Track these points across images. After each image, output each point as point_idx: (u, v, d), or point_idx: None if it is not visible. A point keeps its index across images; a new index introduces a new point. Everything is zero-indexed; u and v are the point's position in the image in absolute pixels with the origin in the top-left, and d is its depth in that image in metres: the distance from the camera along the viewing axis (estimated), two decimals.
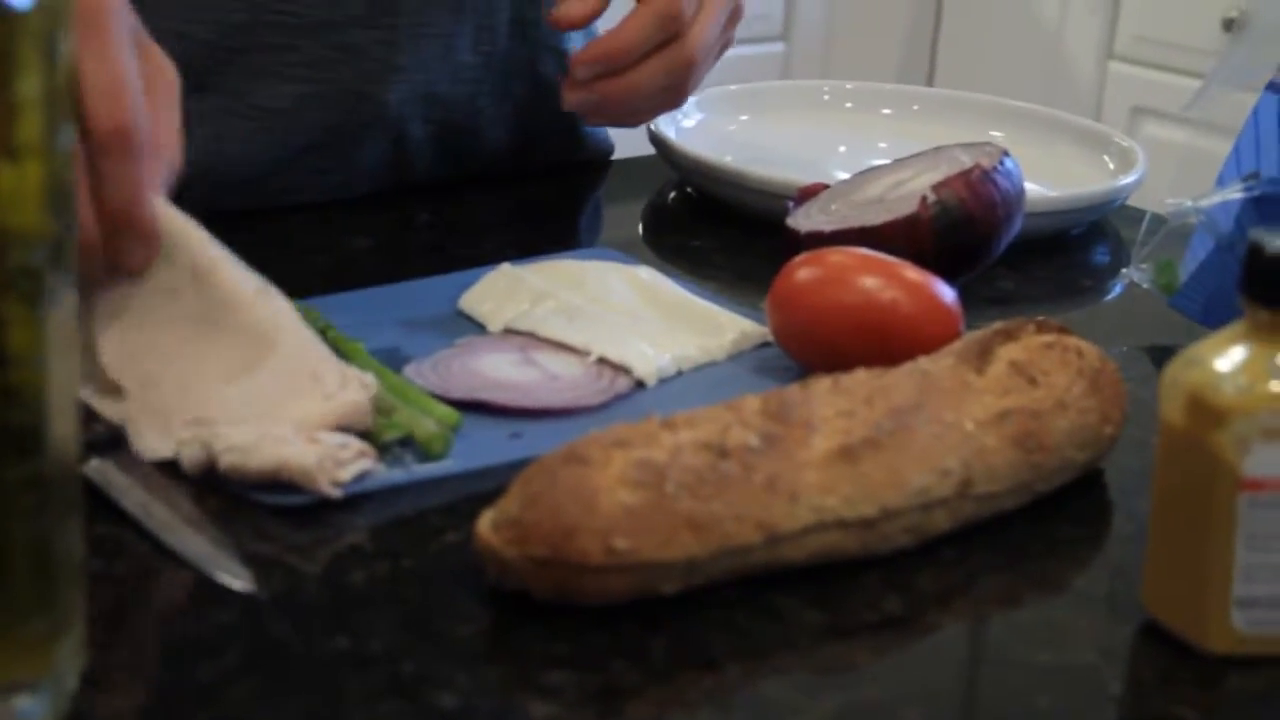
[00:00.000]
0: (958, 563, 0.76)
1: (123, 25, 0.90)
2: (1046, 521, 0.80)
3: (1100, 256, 1.17)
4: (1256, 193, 0.91)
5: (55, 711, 0.60)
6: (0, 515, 0.57)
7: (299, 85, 1.15)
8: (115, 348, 0.85)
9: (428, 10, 1.18)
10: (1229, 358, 0.67)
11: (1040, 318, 0.85)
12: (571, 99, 1.11)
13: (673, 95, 1.14)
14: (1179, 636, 0.69)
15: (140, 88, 0.87)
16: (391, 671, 0.65)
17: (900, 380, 0.78)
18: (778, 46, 3.37)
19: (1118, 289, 1.11)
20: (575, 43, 1.29)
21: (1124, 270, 1.10)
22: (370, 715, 0.62)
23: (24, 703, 0.59)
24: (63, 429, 0.59)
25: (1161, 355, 0.92)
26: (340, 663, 0.66)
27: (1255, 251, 0.66)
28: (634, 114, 1.16)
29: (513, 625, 0.69)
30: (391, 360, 0.91)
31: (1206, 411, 0.66)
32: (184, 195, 0.91)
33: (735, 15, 1.17)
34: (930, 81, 3.47)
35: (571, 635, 0.68)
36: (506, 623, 0.69)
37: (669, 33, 1.08)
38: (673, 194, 1.24)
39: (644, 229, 1.17)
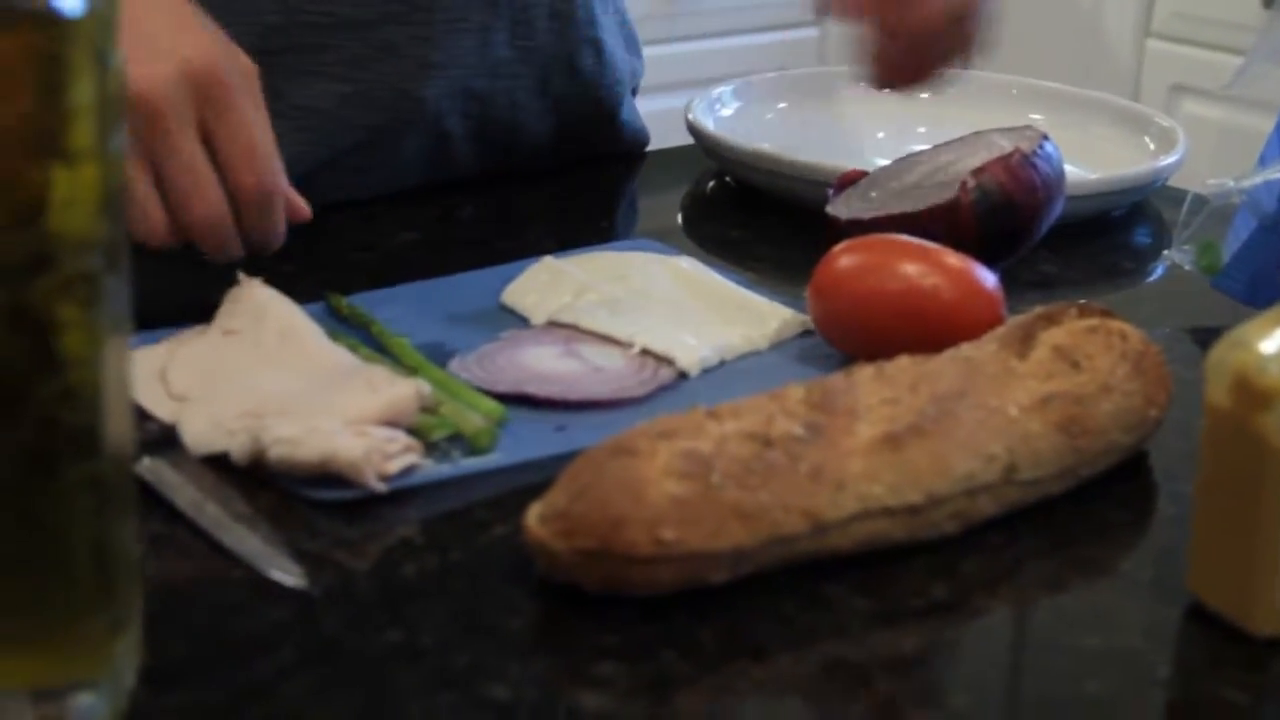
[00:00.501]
0: (1003, 548, 0.76)
1: (247, 87, 0.96)
2: (1091, 505, 0.80)
3: (1142, 238, 1.17)
4: None
5: (114, 709, 0.61)
6: (61, 515, 0.58)
7: (338, 84, 1.16)
8: (181, 366, 0.86)
9: (463, 5, 1.18)
10: (1275, 339, 0.67)
11: (1082, 301, 0.85)
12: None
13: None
14: (1226, 619, 0.69)
15: (275, 149, 0.94)
16: (443, 664, 0.66)
17: (943, 367, 0.79)
18: (813, 31, 3.36)
19: (1160, 270, 1.12)
20: (609, 34, 1.29)
21: (1166, 252, 1.11)
22: (423, 708, 0.63)
23: (85, 700, 0.60)
24: (119, 429, 0.59)
25: (1206, 337, 0.92)
26: (392, 656, 0.66)
27: None
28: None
29: (562, 617, 0.70)
30: (436, 354, 0.91)
31: (1253, 393, 0.66)
32: None
33: None
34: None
35: (621, 626, 0.68)
36: (556, 614, 0.70)
37: None
38: (711, 183, 1.24)
39: (683, 219, 1.18)
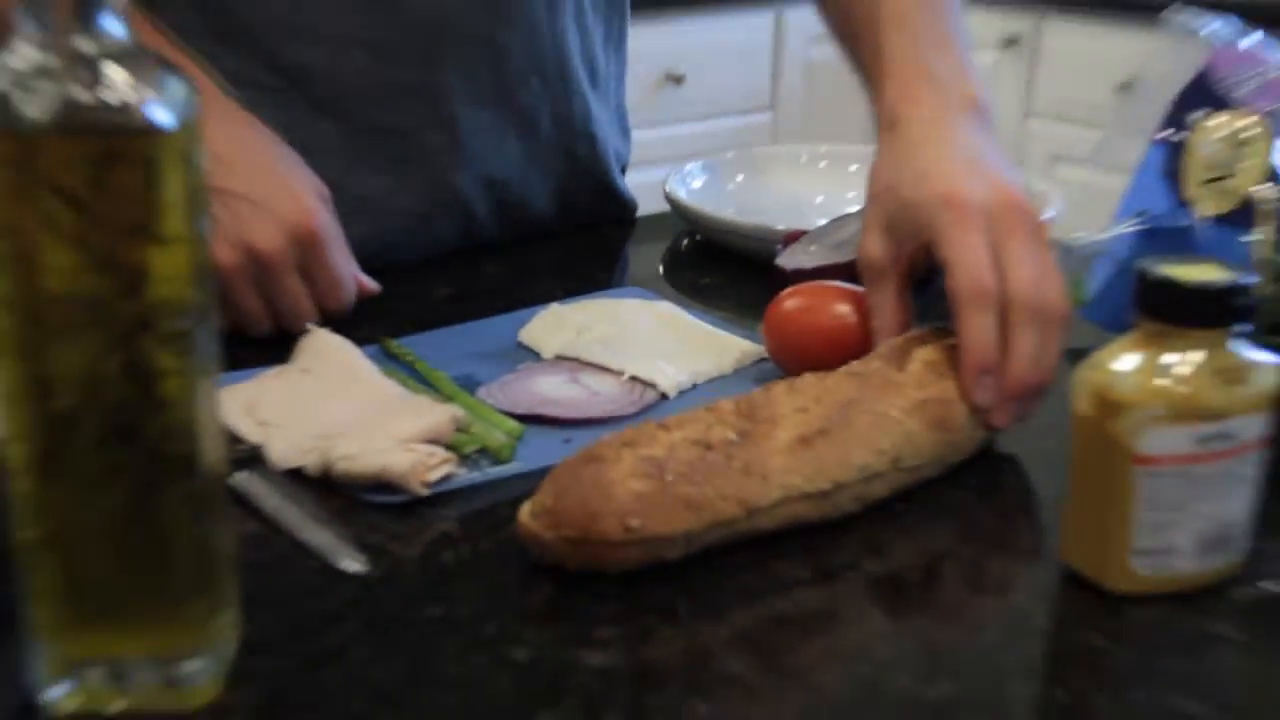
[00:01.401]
0: (902, 526, 0.78)
1: (330, 226, 1.02)
2: (981, 493, 0.82)
3: None
4: (1146, 227, 0.92)
5: (217, 672, 0.62)
6: (163, 524, 0.59)
7: (387, 178, 1.17)
8: (265, 398, 0.87)
9: (480, 114, 1.18)
10: (1124, 361, 0.68)
11: (942, 325, 0.85)
12: (1003, 421, 0.82)
13: (1050, 339, 0.82)
14: (1091, 580, 0.70)
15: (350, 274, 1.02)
16: (475, 632, 0.67)
17: (840, 381, 0.80)
18: (766, 116, 3.37)
19: None
20: (605, 129, 1.29)
21: None
22: (460, 668, 0.64)
23: (194, 665, 0.61)
24: (211, 454, 0.60)
25: (1074, 356, 0.93)
26: (435, 627, 0.67)
27: (1143, 277, 0.68)
28: (1042, 378, 0.82)
29: (568, 592, 0.70)
30: (467, 384, 0.92)
31: (1108, 404, 0.67)
32: None
33: (1037, 230, 0.85)
34: None
35: (612, 598, 0.70)
36: (562, 591, 0.71)
37: (989, 301, 0.80)
38: (685, 241, 1.25)
39: (663, 270, 1.18)
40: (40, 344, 0.56)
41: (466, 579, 0.72)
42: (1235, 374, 0.68)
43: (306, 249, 0.98)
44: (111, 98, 0.54)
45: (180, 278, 0.56)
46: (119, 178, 0.55)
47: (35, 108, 0.54)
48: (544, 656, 0.65)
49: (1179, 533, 0.68)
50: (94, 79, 0.54)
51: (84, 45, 0.55)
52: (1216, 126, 0.92)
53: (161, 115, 0.55)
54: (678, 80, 3.19)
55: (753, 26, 3.30)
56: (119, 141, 0.55)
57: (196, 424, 0.58)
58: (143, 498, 0.58)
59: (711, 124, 3.27)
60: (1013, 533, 0.75)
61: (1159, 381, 0.67)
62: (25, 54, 0.54)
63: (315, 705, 0.61)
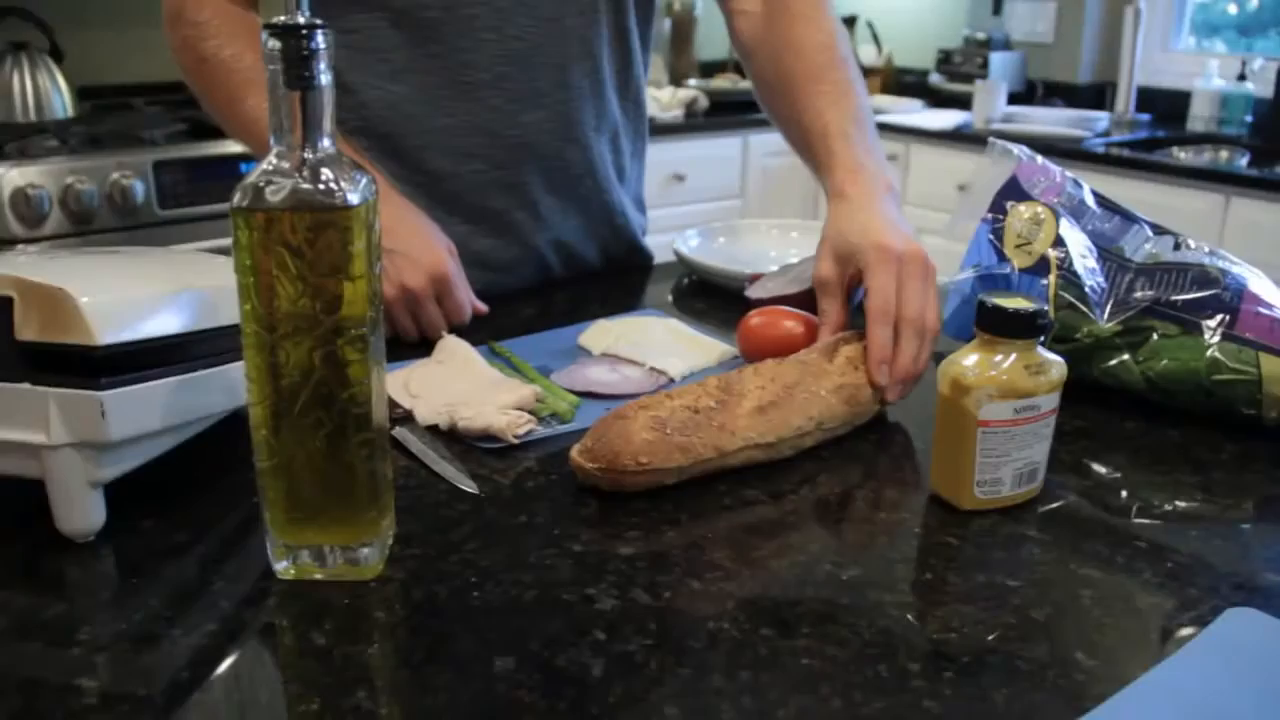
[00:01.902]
0: (826, 465, 0.76)
1: (456, 269, 1.00)
2: (878, 445, 0.80)
3: None
4: (980, 273, 0.91)
5: (381, 556, 0.61)
6: (350, 461, 0.58)
7: (491, 240, 1.15)
8: (416, 378, 0.86)
9: (553, 201, 1.17)
10: (969, 359, 0.67)
11: (859, 331, 0.84)
12: (894, 397, 0.81)
13: (925, 346, 0.82)
14: (949, 501, 0.69)
15: (469, 300, 1.01)
16: (549, 533, 0.66)
17: (789, 367, 0.79)
18: (737, 201, 3.36)
19: None
20: (631, 210, 1.28)
21: None
22: (537, 556, 0.63)
23: (365, 552, 0.60)
24: (379, 414, 0.60)
25: (937, 357, 0.92)
26: (521, 529, 0.67)
27: (981, 304, 0.67)
28: (919, 370, 0.82)
29: (606, 505, 0.69)
30: (544, 371, 0.91)
31: (959, 387, 0.66)
32: None
33: (929, 273, 0.85)
34: (816, 217, 3.46)
35: (636, 511, 0.69)
36: (603, 504, 0.70)
37: (889, 319, 0.81)
38: (685, 281, 1.24)
39: (672, 299, 1.17)
40: (273, 343, 0.56)
41: (541, 498, 0.71)
42: (1038, 368, 0.66)
43: (440, 286, 0.98)
44: (322, 187, 0.54)
45: (361, 301, 0.56)
46: (325, 238, 0.54)
47: (275, 194, 0.54)
48: (591, 550, 0.64)
49: (1004, 470, 0.67)
50: (313, 176, 0.54)
51: (308, 155, 0.54)
52: (1023, 211, 0.90)
53: (352, 197, 0.54)
54: (680, 178, 3.19)
55: (729, 145, 3.30)
56: (326, 214, 0.54)
57: (371, 395, 0.58)
58: (335, 442, 0.58)
59: (702, 206, 3.27)
60: (898, 471, 0.73)
61: (991, 373, 0.66)
62: (273, 160, 0.54)
63: (441, 579, 0.61)
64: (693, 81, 3.52)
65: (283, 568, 0.60)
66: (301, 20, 0.53)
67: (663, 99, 3.24)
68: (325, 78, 0.54)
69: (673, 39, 3.63)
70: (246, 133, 1.03)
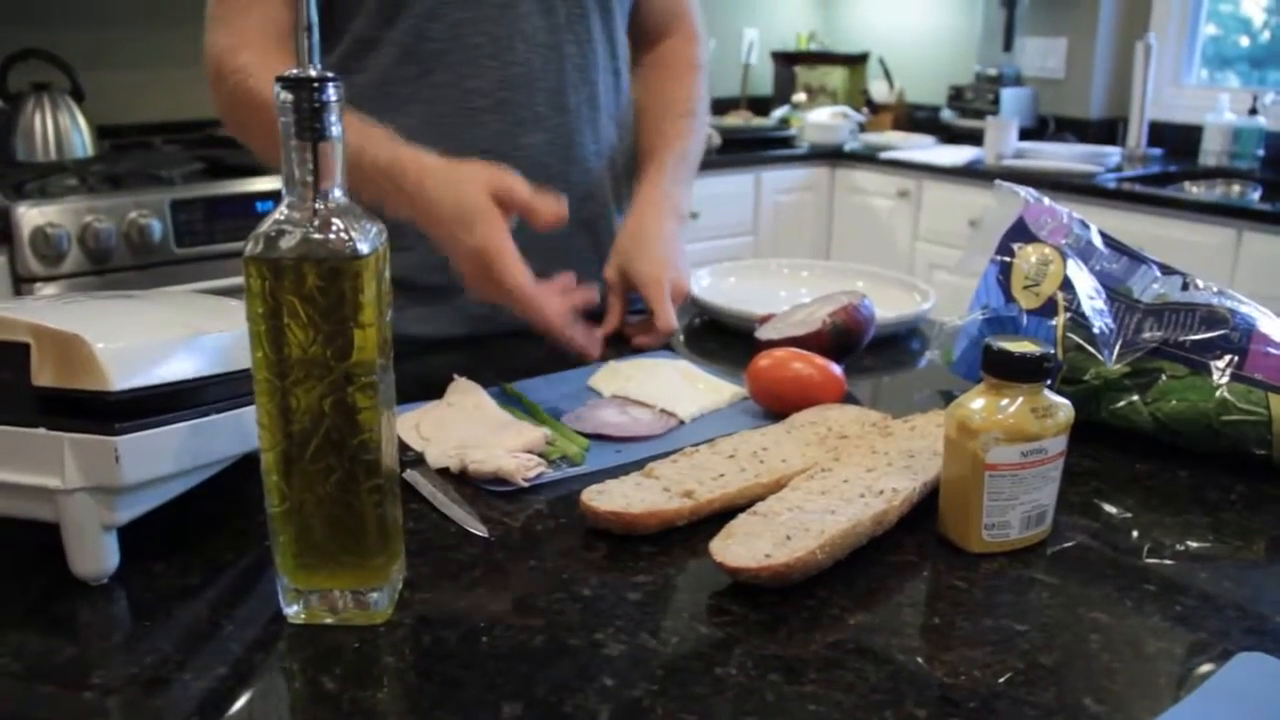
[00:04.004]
0: None
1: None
2: None
3: (915, 345, 1.16)
4: (987, 316, 0.91)
5: (390, 601, 0.62)
6: (360, 507, 0.59)
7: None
8: (427, 421, 0.87)
9: (573, 242, 1.17)
10: (976, 403, 0.67)
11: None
12: (650, 343, 1.10)
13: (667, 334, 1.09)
14: (957, 544, 0.69)
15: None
16: (558, 577, 0.66)
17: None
18: (750, 238, 3.37)
19: (924, 362, 1.11)
20: None
21: (927, 352, 1.10)
22: (547, 601, 0.63)
23: (375, 596, 0.61)
24: (389, 460, 0.60)
25: (947, 397, 0.92)
26: (531, 574, 0.67)
27: (987, 348, 0.67)
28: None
29: (616, 549, 0.69)
30: (555, 413, 0.91)
31: (967, 430, 0.67)
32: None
33: (680, 294, 1.11)
34: (828, 254, 3.47)
35: (645, 556, 0.69)
36: (612, 548, 0.70)
37: (665, 336, 1.09)
38: (697, 321, 1.24)
39: (684, 339, 1.17)
40: (284, 389, 0.56)
41: (550, 541, 0.71)
42: (1045, 411, 0.67)
43: (488, 262, 0.96)
44: (333, 237, 0.55)
45: (371, 348, 0.57)
46: (336, 286, 0.55)
47: (287, 243, 0.54)
48: (599, 594, 0.64)
49: (1012, 513, 0.67)
50: (324, 225, 0.55)
51: (319, 205, 0.55)
52: (1030, 252, 0.91)
53: (363, 246, 0.55)
54: (694, 215, 3.20)
55: (742, 183, 3.32)
56: (335, 263, 0.55)
57: (381, 441, 0.58)
58: (345, 488, 0.58)
59: (715, 243, 3.28)
60: (908, 515, 0.72)
61: (998, 416, 0.66)
62: (284, 209, 0.55)
63: (450, 624, 0.61)
64: (708, 118, 3.55)
65: (293, 612, 0.60)
66: (313, 73, 0.54)
67: None
68: (336, 129, 0.55)
69: None
70: None
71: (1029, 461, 0.66)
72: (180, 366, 0.65)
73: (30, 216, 1.96)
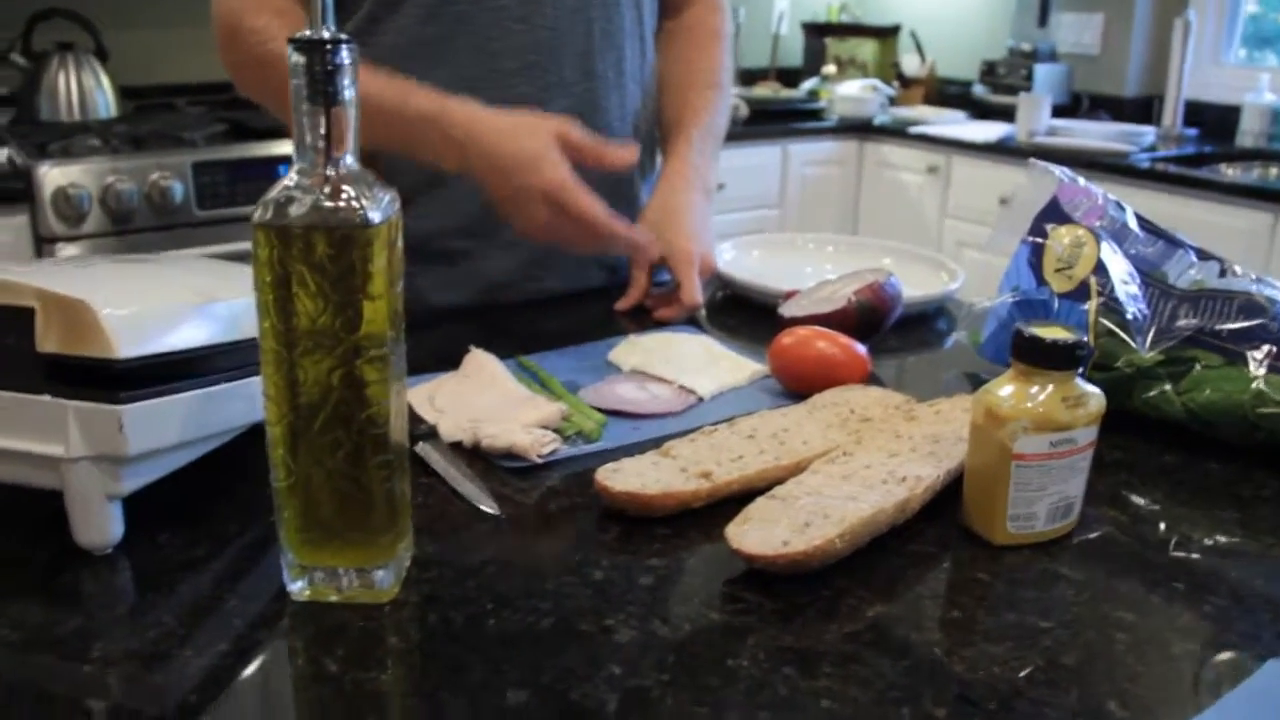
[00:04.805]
0: None
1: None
2: None
3: (942, 325, 1.13)
4: (1017, 299, 0.89)
5: (397, 579, 0.60)
6: (367, 483, 0.57)
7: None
8: (441, 393, 0.85)
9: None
10: (1005, 390, 0.65)
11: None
12: (673, 316, 1.10)
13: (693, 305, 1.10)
14: (980, 535, 0.67)
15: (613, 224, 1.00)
16: (570, 559, 0.64)
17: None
18: (776, 210, 3.34)
19: (950, 343, 1.08)
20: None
21: (954, 333, 1.08)
22: (556, 584, 0.62)
23: (381, 574, 0.59)
24: (399, 435, 0.59)
25: (975, 381, 0.90)
26: (541, 555, 0.65)
27: (1017, 334, 0.65)
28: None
29: (629, 531, 0.68)
30: (572, 387, 0.89)
31: (994, 417, 0.64)
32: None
33: (707, 269, 1.13)
34: (855, 230, 3.42)
35: (660, 538, 0.67)
36: (626, 530, 0.68)
37: (691, 310, 1.10)
38: (720, 295, 1.22)
39: (706, 314, 1.15)
40: (292, 360, 0.55)
41: (563, 521, 0.69)
42: (1076, 400, 0.64)
43: (558, 196, 0.97)
44: (344, 204, 0.53)
45: (381, 321, 0.55)
46: (346, 255, 0.54)
47: (296, 210, 0.53)
48: (611, 577, 0.62)
49: (1038, 505, 0.65)
50: (334, 193, 0.53)
51: (330, 172, 0.54)
52: (1063, 234, 0.88)
53: (374, 215, 0.54)
54: (721, 187, 3.18)
55: (769, 155, 3.29)
56: (346, 231, 0.53)
57: (390, 416, 0.57)
58: (353, 463, 0.57)
59: (741, 214, 3.26)
60: (929, 501, 0.70)
61: (1027, 404, 0.64)
62: (294, 176, 0.54)
63: (457, 604, 0.59)
64: (734, 90, 3.50)
65: (297, 588, 0.59)
66: (327, 35, 0.52)
67: None
68: (349, 93, 0.53)
69: None
70: None
71: (1058, 452, 0.64)
72: (189, 334, 0.63)
73: (52, 176, 1.95)
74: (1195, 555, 0.67)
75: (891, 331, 1.03)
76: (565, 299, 1.17)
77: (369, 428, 0.56)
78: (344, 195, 0.53)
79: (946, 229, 3.13)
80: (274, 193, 0.53)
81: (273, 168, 2.12)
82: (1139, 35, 3.22)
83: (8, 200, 1.94)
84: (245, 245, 1.57)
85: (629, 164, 1.01)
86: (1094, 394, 0.65)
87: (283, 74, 1.06)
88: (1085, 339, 0.64)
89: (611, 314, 1.14)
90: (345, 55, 0.52)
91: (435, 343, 1.00)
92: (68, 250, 1.97)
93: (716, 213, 3.41)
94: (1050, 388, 0.64)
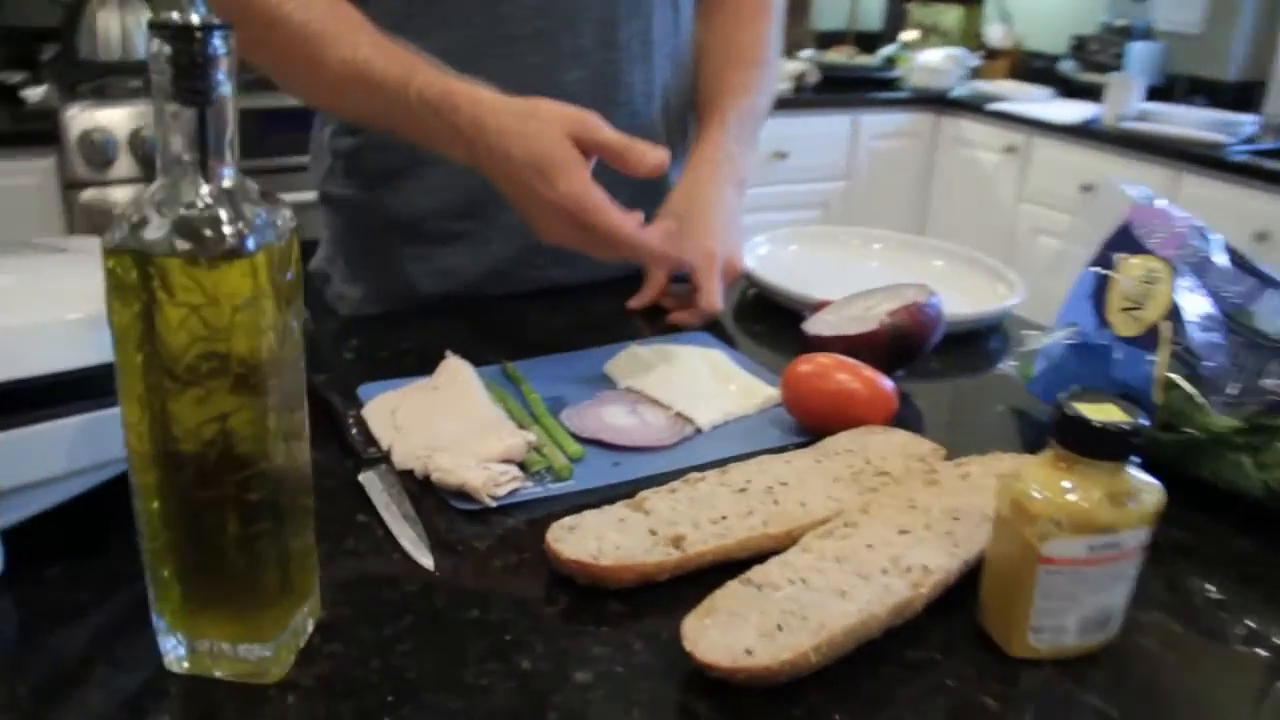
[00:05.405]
0: None
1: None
2: None
3: (995, 343, 1.01)
4: (1074, 341, 0.77)
5: (286, 659, 0.51)
6: (249, 550, 0.48)
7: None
8: (404, 407, 0.76)
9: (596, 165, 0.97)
10: (1037, 479, 0.53)
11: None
12: (688, 322, 0.99)
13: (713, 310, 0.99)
14: (995, 641, 0.56)
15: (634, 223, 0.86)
16: (500, 638, 0.54)
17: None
18: (841, 184, 3.19)
19: (1000, 367, 0.95)
20: None
21: (1004, 361, 0.95)
22: (476, 672, 0.52)
23: (266, 652, 0.50)
24: (293, 491, 0.49)
25: (1019, 415, 0.78)
26: (469, 629, 0.55)
27: (1060, 412, 0.53)
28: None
29: (579, 606, 0.57)
30: (556, 405, 0.79)
31: (1022, 512, 0.53)
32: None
33: (731, 274, 1.02)
34: (924, 209, 3.26)
35: (611, 619, 0.57)
36: (576, 604, 0.58)
37: (709, 316, 0.99)
38: (751, 292, 1.10)
39: (731, 315, 1.04)
40: (160, 404, 0.45)
41: (506, 583, 0.59)
42: (1127, 495, 0.52)
43: (580, 215, 0.84)
44: (210, 229, 0.43)
45: (267, 356, 0.45)
46: (221, 283, 0.44)
47: (154, 232, 0.43)
48: (542, 670, 0.52)
49: (1068, 617, 0.54)
50: (204, 211, 0.44)
51: (201, 185, 0.44)
52: (1133, 266, 0.75)
53: (250, 241, 0.44)
54: (782, 156, 3.04)
55: (838, 123, 3.14)
56: (215, 261, 0.43)
57: (277, 468, 0.47)
58: (233, 526, 0.47)
59: (804, 186, 3.13)
60: (948, 594, 0.59)
61: (1064, 499, 0.52)
62: (158, 189, 0.44)
63: (353, 692, 0.50)
64: (805, 53, 3.34)
65: (171, 659, 0.50)
66: (196, 19, 0.41)
67: None
68: (226, 88, 0.43)
69: (788, 6, 3.44)
70: (334, 92, 0.91)
71: (1097, 557, 0.52)
72: (71, 353, 0.54)
73: (80, 119, 1.89)
74: (1272, 681, 0.55)
75: (934, 350, 0.91)
76: (572, 291, 1.06)
77: (252, 485, 0.46)
78: (217, 214, 0.43)
79: (1021, 213, 2.95)
80: (132, 209, 0.43)
81: (307, 119, 2.03)
82: (1246, 14, 2.98)
83: (36, 142, 1.88)
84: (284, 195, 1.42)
85: (658, 168, 0.86)
86: (1149, 487, 0.53)
87: (289, 37, 0.94)
88: (1145, 423, 0.52)
89: (623, 312, 1.04)
90: (220, 44, 0.42)
91: (419, 339, 0.91)
92: (87, 194, 1.90)
93: (779, 182, 3.30)
94: (1094, 480, 0.52)
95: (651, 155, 0.85)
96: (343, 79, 0.87)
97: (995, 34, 3.50)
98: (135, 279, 0.43)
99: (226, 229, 0.43)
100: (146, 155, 1.93)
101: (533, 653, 0.53)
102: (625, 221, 0.84)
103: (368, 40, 0.88)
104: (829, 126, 3.14)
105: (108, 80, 2.01)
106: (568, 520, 0.61)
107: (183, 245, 0.43)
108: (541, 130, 0.84)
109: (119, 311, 0.44)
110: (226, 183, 0.44)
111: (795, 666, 0.50)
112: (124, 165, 1.94)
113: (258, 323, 0.44)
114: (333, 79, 0.88)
